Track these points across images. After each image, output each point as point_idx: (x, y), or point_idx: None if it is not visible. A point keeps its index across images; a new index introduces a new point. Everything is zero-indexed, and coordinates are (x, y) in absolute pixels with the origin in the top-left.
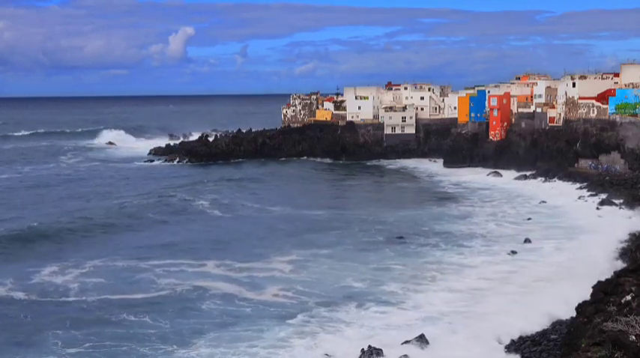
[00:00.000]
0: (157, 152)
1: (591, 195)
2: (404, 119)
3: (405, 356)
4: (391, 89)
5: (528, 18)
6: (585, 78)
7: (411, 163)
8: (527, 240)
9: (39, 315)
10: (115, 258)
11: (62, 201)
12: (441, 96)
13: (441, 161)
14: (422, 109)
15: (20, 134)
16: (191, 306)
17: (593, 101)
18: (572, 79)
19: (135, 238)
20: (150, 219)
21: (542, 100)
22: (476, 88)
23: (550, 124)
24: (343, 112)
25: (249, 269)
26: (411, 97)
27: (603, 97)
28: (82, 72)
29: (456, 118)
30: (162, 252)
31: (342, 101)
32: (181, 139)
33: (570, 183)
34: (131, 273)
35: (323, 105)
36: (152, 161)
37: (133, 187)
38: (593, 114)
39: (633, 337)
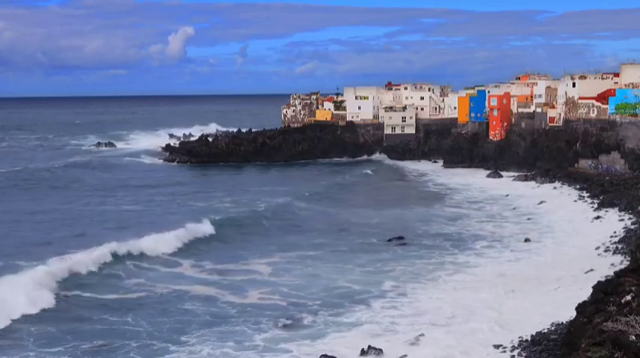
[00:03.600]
0: (156, 151)
1: (591, 195)
2: (404, 119)
3: (405, 356)
4: (391, 89)
5: (528, 18)
6: (585, 78)
7: (410, 163)
8: (527, 240)
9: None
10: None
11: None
12: (441, 96)
13: (441, 161)
14: (422, 109)
15: (23, 136)
16: (187, 308)
17: (593, 101)
18: (572, 79)
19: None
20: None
21: (542, 100)
22: (476, 88)
23: (550, 124)
24: (343, 112)
25: (227, 271)
26: (411, 97)
27: (603, 97)
28: (81, 72)
29: (456, 118)
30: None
31: (342, 101)
32: (182, 139)
33: (570, 183)
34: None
35: (323, 105)
36: (152, 161)
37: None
38: (593, 114)
39: (633, 337)
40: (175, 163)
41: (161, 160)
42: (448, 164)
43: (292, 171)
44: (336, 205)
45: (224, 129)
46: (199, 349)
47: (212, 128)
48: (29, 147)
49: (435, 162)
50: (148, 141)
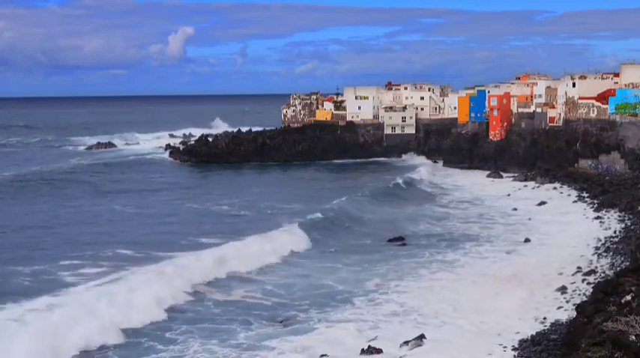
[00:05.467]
0: (157, 152)
1: (591, 196)
2: (404, 119)
3: (405, 356)
4: (391, 89)
5: (528, 18)
6: (585, 78)
7: (411, 163)
8: (527, 240)
9: None
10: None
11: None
12: (441, 96)
13: (441, 161)
14: (422, 109)
15: (24, 137)
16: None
17: (593, 101)
18: (572, 79)
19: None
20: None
21: (542, 100)
22: (476, 88)
23: (550, 124)
24: (343, 112)
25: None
26: (411, 97)
27: (603, 97)
28: (81, 72)
29: (456, 118)
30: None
31: (342, 101)
32: (182, 139)
33: (570, 183)
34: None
35: (323, 105)
36: (153, 161)
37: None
38: (593, 114)
39: (633, 337)
40: (177, 163)
41: (163, 157)
42: (448, 164)
43: (303, 173)
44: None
45: (231, 128)
46: (186, 347)
47: (216, 126)
48: (30, 148)
49: (436, 162)
50: (148, 141)
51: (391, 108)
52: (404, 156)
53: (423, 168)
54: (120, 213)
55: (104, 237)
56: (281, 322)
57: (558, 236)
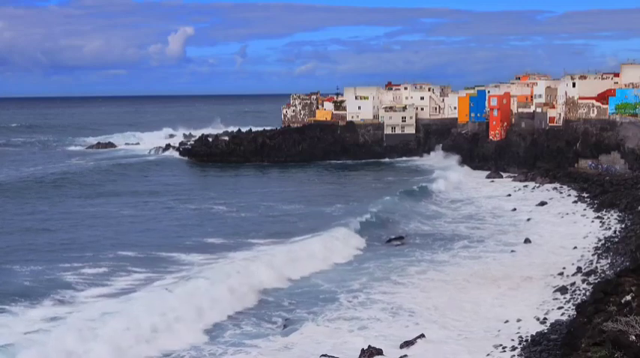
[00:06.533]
0: (157, 152)
1: (591, 196)
2: (404, 119)
3: (405, 356)
4: (391, 89)
5: (528, 18)
6: (585, 78)
7: (412, 162)
8: (527, 240)
9: None
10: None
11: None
12: (441, 96)
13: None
14: (422, 109)
15: (24, 137)
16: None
17: (593, 101)
18: (572, 79)
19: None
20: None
21: (542, 100)
22: (476, 88)
23: (550, 124)
24: (343, 112)
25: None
26: (411, 97)
27: (603, 97)
28: (81, 72)
29: (456, 118)
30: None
31: (342, 101)
32: (182, 139)
33: (570, 183)
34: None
35: (323, 105)
36: (153, 161)
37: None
38: (593, 114)
39: (633, 337)
40: (183, 160)
41: (164, 157)
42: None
43: (303, 173)
44: None
45: (231, 128)
46: (175, 344)
47: (216, 126)
48: (29, 148)
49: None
50: (148, 141)
51: (391, 108)
52: (413, 157)
53: (453, 173)
54: (120, 214)
55: (105, 239)
56: (274, 322)
57: (558, 236)
